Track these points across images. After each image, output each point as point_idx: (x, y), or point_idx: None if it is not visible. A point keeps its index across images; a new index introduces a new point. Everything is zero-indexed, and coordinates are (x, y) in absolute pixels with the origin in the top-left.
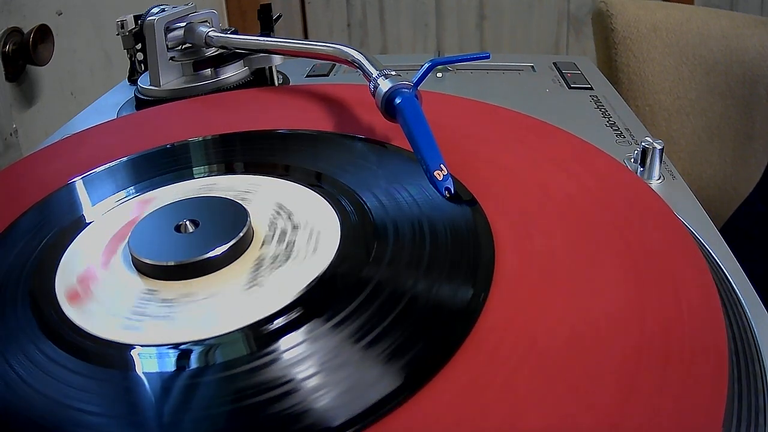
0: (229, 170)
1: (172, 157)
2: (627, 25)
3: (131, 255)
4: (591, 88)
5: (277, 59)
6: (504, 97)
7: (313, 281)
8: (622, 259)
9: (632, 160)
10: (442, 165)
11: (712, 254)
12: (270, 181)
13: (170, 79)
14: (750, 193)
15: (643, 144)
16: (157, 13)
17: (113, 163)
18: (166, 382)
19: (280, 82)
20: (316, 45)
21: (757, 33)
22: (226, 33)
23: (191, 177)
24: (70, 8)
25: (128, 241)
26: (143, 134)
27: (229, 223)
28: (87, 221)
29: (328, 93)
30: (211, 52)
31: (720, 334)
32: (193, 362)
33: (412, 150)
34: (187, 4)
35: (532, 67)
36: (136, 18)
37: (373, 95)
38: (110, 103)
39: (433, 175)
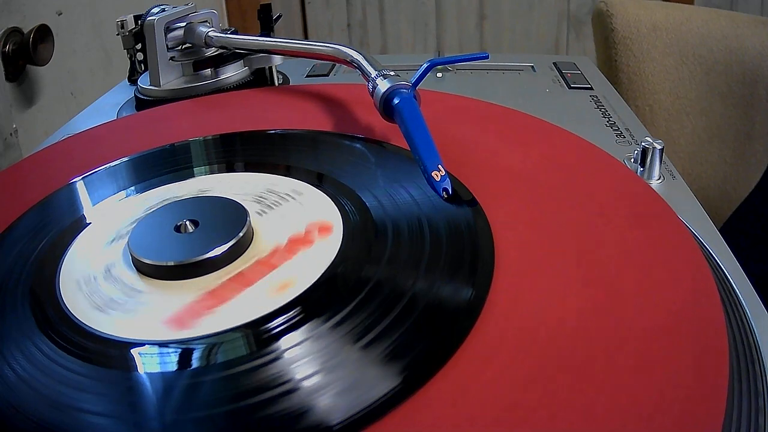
0: (230, 170)
1: (172, 158)
2: (627, 25)
3: (131, 255)
4: (591, 88)
5: (277, 59)
6: (504, 97)
7: (312, 281)
8: (623, 259)
9: (632, 160)
10: (439, 165)
11: (712, 254)
12: (270, 179)
13: (170, 79)
14: (750, 193)
15: (643, 144)
16: (157, 13)
17: (113, 163)
18: (167, 381)
19: (280, 82)
20: (315, 45)
21: (757, 33)
22: (226, 33)
23: (192, 176)
24: (70, 8)
25: (128, 241)
26: (143, 134)
27: (229, 223)
28: (87, 221)
29: (328, 93)
30: (211, 52)
31: (721, 333)
32: (194, 362)
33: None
34: (187, 4)
35: (532, 67)
36: (136, 18)
37: (372, 95)
38: (110, 103)
39: (430, 175)
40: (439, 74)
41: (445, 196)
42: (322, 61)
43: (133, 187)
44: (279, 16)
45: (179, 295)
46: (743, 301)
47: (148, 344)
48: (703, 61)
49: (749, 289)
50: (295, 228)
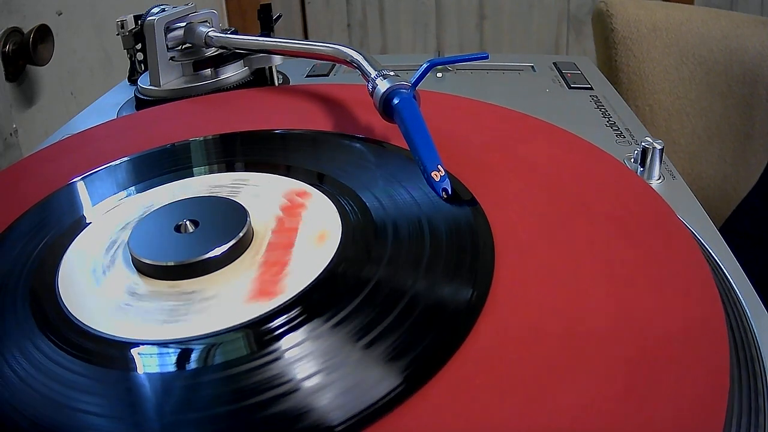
0: (230, 170)
1: (172, 157)
2: (627, 25)
3: (131, 255)
4: (591, 88)
5: (277, 59)
6: (504, 97)
7: (313, 281)
8: (623, 259)
9: (632, 160)
10: (439, 166)
11: (712, 254)
12: (271, 179)
13: (170, 79)
14: (749, 192)
15: (643, 144)
16: (157, 13)
17: (113, 163)
18: (167, 381)
19: (280, 82)
20: (315, 45)
21: (757, 33)
22: (226, 33)
23: (192, 176)
24: (70, 8)
25: (128, 241)
26: (143, 134)
27: (229, 223)
28: (87, 221)
29: (327, 93)
30: (211, 52)
31: (721, 333)
32: (194, 362)
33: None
34: (187, 4)
35: (532, 67)
36: (136, 18)
37: (372, 95)
38: (110, 103)
39: (430, 176)
40: (439, 74)
41: (445, 196)
42: (322, 61)
43: (133, 187)
44: (279, 16)
45: (179, 295)
46: (743, 301)
47: (147, 344)
48: (703, 61)
49: (749, 289)
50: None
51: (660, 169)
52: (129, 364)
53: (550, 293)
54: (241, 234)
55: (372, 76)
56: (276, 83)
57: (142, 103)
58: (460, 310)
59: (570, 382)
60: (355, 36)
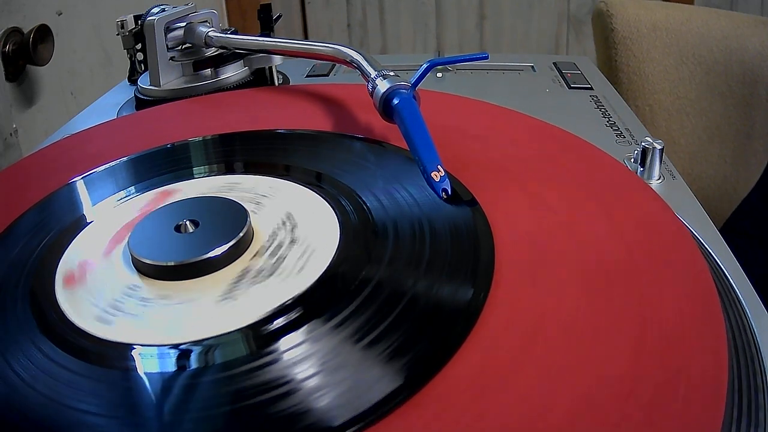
0: (229, 170)
1: (172, 157)
2: (627, 25)
3: (131, 255)
4: (591, 88)
5: (277, 59)
6: (504, 97)
7: (313, 281)
8: (622, 259)
9: (632, 160)
10: (439, 166)
11: (712, 254)
12: (270, 181)
13: (170, 79)
14: (749, 192)
15: (643, 144)
16: (157, 13)
17: (113, 163)
18: (166, 382)
19: (280, 82)
20: (315, 45)
21: (757, 33)
22: (226, 33)
23: (192, 176)
24: (70, 8)
25: (128, 241)
26: (143, 134)
27: (229, 223)
28: (87, 221)
29: (327, 93)
30: (211, 52)
31: (720, 333)
32: (194, 362)
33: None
34: (187, 4)
35: (532, 67)
36: (136, 18)
37: (371, 96)
38: (110, 103)
39: (430, 176)
40: (439, 74)
41: (445, 196)
42: (322, 61)
43: (132, 187)
44: (279, 16)
45: (179, 295)
46: (743, 301)
47: (147, 345)
48: (703, 61)
49: (749, 289)
50: None
51: (660, 169)
52: (129, 365)
53: (550, 293)
54: (241, 234)
55: (372, 76)
56: (276, 83)
57: (142, 103)
58: (460, 310)
59: (570, 381)
60: (355, 36)
